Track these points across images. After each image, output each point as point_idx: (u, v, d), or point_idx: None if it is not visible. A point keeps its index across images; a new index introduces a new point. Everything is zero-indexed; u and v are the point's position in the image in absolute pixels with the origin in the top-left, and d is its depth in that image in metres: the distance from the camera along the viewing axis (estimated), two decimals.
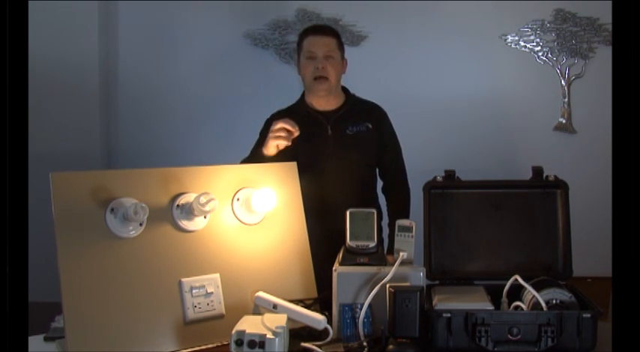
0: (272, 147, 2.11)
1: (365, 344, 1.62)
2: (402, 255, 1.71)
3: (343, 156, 2.31)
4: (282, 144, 2.09)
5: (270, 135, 2.10)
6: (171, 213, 1.70)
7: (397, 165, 2.45)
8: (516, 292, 1.69)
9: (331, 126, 2.32)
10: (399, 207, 2.40)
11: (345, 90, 2.43)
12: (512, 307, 1.63)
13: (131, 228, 1.64)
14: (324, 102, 2.35)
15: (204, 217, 1.73)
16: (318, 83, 2.29)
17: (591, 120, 3.41)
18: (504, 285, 1.69)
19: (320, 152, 2.29)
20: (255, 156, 2.22)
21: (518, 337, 1.55)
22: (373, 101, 2.48)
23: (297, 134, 2.09)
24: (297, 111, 2.38)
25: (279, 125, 2.08)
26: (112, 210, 1.62)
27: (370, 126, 2.36)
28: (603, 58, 3.36)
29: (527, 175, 1.91)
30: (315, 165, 2.24)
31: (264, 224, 1.83)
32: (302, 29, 2.47)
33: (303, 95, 2.44)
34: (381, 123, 2.41)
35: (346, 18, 3.46)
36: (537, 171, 1.89)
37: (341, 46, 2.37)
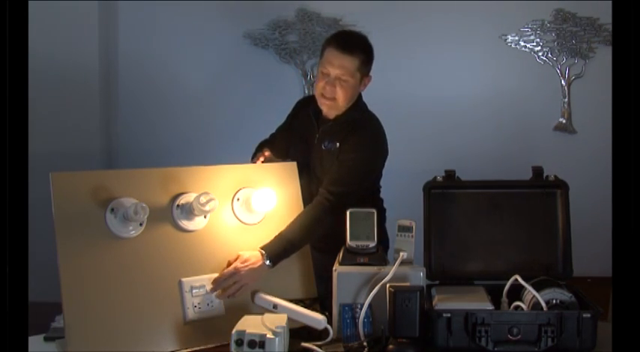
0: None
1: (365, 344, 1.62)
2: (402, 255, 1.71)
3: (313, 169, 2.17)
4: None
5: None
6: (172, 213, 1.70)
7: (338, 182, 2.03)
8: (516, 292, 1.69)
9: (319, 135, 2.17)
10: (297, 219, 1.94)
11: (358, 101, 2.18)
12: (512, 307, 1.63)
13: (131, 228, 1.64)
14: (331, 111, 2.17)
15: (204, 217, 1.73)
16: (323, 100, 2.11)
17: (591, 120, 3.41)
18: (504, 285, 1.69)
19: (304, 157, 2.17)
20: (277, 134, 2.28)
21: (519, 337, 1.55)
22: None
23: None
24: (309, 109, 2.24)
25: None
26: (112, 210, 1.62)
27: (338, 144, 2.10)
28: (603, 58, 3.36)
29: (527, 175, 1.91)
30: (300, 166, 2.16)
31: (264, 224, 1.83)
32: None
33: None
34: (348, 145, 2.09)
35: (346, 18, 3.46)
36: (537, 171, 1.89)
37: (364, 65, 2.09)
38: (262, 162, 2.06)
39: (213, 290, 1.74)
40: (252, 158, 2.20)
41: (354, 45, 2.09)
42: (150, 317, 1.62)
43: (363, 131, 2.12)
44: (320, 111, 2.20)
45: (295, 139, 2.24)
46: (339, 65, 2.05)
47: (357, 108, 2.17)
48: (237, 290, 1.75)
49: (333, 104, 2.10)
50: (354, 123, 2.13)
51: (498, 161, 3.37)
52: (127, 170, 1.74)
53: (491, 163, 3.33)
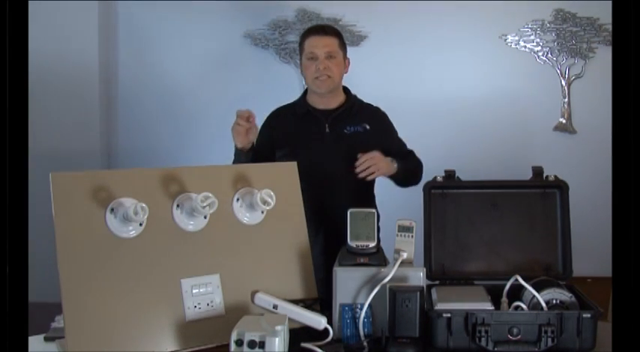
0: (237, 139, 2.21)
1: (365, 344, 1.62)
2: (402, 254, 1.71)
3: (341, 155, 2.30)
4: (241, 131, 2.17)
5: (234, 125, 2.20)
6: (171, 213, 1.70)
7: (407, 152, 2.44)
8: (516, 292, 1.69)
9: (329, 124, 2.33)
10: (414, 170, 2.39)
11: (346, 90, 2.43)
12: (512, 307, 1.63)
13: (131, 228, 1.64)
14: (325, 101, 2.36)
15: (204, 217, 1.73)
16: (320, 82, 2.30)
17: (591, 120, 3.41)
18: (504, 285, 1.69)
19: (317, 149, 2.30)
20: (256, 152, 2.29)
21: (519, 337, 1.55)
22: (373, 102, 2.48)
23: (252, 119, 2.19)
24: (297, 109, 2.39)
25: (248, 113, 2.17)
26: (112, 210, 1.62)
27: (367, 126, 2.36)
28: (603, 58, 3.36)
29: (527, 175, 1.91)
30: (312, 162, 2.24)
31: (264, 224, 1.83)
32: (303, 30, 2.48)
33: (304, 93, 2.44)
34: (379, 123, 2.41)
35: (346, 18, 3.46)
36: (537, 171, 1.89)
37: (343, 46, 2.37)
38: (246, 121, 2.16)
39: (354, 168, 2.13)
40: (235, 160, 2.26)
41: (329, 29, 2.39)
42: (150, 317, 1.62)
43: (380, 113, 2.44)
44: (311, 108, 2.35)
45: (294, 142, 2.31)
46: (324, 45, 2.29)
47: (353, 94, 2.43)
48: (370, 172, 2.15)
49: (330, 81, 2.31)
50: (365, 106, 2.42)
51: (498, 161, 3.38)
52: (127, 170, 1.74)
53: (491, 163, 3.34)
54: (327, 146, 2.32)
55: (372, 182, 2.41)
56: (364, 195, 2.36)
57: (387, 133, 2.43)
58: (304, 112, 2.36)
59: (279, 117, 2.43)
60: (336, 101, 2.37)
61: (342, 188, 2.26)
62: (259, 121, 2.46)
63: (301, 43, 2.38)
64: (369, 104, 2.46)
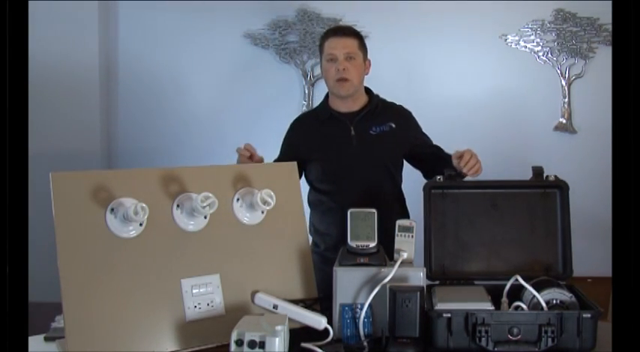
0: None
1: (365, 344, 1.62)
2: (402, 254, 1.71)
3: (368, 156, 2.29)
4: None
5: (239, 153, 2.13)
6: (172, 213, 1.70)
7: (436, 147, 2.40)
8: (517, 292, 1.69)
9: (354, 126, 2.31)
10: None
11: (368, 91, 2.40)
12: (512, 307, 1.63)
13: (131, 228, 1.64)
14: (348, 104, 2.33)
15: (204, 217, 1.73)
16: (339, 85, 2.27)
17: (591, 120, 3.41)
18: (504, 285, 1.69)
19: (344, 153, 2.29)
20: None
21: (519, 337, 1.55)
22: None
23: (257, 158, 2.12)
24: (320, 114, 2.38)
25: (244, 146, 2.11)
26: (112, 210, 1.62)
27: (393, 125, 2.33)
28: (603, 58, 3.36)
29: (527, 175, 1.91)
30: (340, 165, 2.25)
31: (264, 224, 1.83)
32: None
33: (326, 97, 2.42)
34: (405, 121, 2.38)
35: (346, 18, 3.46)
36: (537, 171, 1.89)
37: (363, 47, 2.34)
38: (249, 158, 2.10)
39: (463, 171, 1.98)
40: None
41: (348, 30, 2.37)
42: (150, 317, 1.62)
43: (405, 111, 2.41)
44: (334, 112, 2.32)
45: (322, 148, 2.31)
46: (343, 46, 2.27)
47: (375, 95, 2.39)
48: (478, 168, 2.02)
49: (350, 84, 2.27)
50: (388, 105, 2.39)
51: (498, 161, 3.37)
52: (127, 170, 1.74)
53: (492, 163, 3.33)
54: (355, 148, 2.29)
55: (400, 181, 2.41)
56: (395, 194, 2.37)
57: (414, 130, 2.40)
58: (327, 117, 2.34)
59: (302, 124, 2.42)
60: (358, 103, 2.35)
61: (373, 189, 2.26)
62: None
63: (321, 45, 2.35)
64: (393, 103, 2.43)
